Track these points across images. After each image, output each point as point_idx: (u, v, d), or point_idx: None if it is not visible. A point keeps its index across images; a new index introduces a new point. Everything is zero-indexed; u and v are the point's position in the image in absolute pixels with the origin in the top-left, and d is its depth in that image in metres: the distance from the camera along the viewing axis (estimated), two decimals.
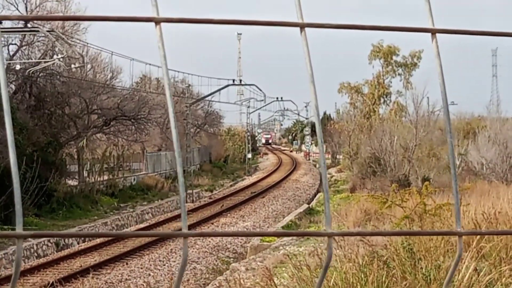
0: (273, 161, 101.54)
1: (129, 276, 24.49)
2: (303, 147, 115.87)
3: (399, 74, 64.96)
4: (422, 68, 64.45)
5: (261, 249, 25.69)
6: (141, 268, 25.90)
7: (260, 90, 69.39)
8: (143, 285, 22.87)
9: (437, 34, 1.54)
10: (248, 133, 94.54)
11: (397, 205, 21.60)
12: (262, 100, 74.58)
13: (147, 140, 62.82)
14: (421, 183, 40.67)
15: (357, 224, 28.09)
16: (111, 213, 42.04)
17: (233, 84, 57.39)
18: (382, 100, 65.88)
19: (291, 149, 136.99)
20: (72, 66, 38.26)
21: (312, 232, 1.66)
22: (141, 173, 57.09)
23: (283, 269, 19.20)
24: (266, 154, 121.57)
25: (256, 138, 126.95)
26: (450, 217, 19.55)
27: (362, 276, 8.32)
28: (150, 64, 64.49)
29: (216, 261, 28.62)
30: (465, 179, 45.81)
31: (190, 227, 35.23)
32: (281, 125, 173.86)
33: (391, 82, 66.04)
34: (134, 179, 54.49)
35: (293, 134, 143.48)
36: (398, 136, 41.66)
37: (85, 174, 48.40)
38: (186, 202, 49.45)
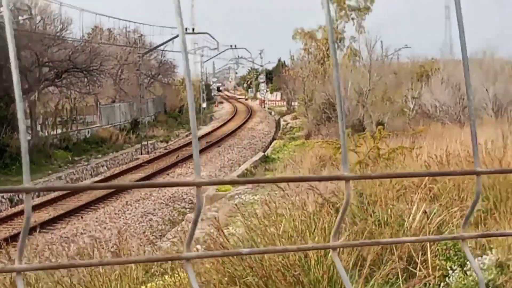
0: (229, 110, 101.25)
1: (84, 230, 24.29)
2: (258, 95, 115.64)
3: (352, 19, 64.82)
4: (375, 12, 64.37)
5: (217, 198, 25.60)
6: (96, 222, 25.72)
7: (214, 39, 68.91)
8: (99, 238, 22.69)
9: None
10: (203, 82, 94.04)
11: (351, 150, 21.57)
12: (216, 49, 74.06)
13: (100, 92, 62.17)
14: (375, 127, 40.83)
15: (312, 170, 28.08)
16: (65, 167, 41.64)
17: (186, 33, 56.47)
18: (336, 45, 65.69)
19: (246, 97, 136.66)
20: (20, 18, 37.46)
21: (331, 177, 1.57)
22: (95, 125, 56.52)
23: (237, 218, 19.14)
24: (222, 103, 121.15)
25: (211, 87, 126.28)
26: (404, 160, 19.60)
27: (312, 223, 8.23)
28: (100, 15, 63.62)
29: (172, 212, 28.50)
30: (419, 122, 46.08)
31: (146, 178, 35.12)
32: (236, 73, 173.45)
33: (344, 27, 65.91)
34: (88, 132, 53.94)
35: (248, 82, 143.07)
36: (352, 81, 41.59)
37: (38, 128, 47.80)
38: (141, 153, 49.20)
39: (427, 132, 38.88)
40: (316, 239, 7.62)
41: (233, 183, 1.52)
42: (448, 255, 8.30)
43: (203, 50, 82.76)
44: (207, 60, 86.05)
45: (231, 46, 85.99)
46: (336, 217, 9.35)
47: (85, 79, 49.47)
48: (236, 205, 17.22)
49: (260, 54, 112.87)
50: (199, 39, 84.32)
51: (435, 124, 44.12)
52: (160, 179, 35.49)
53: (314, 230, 7.99)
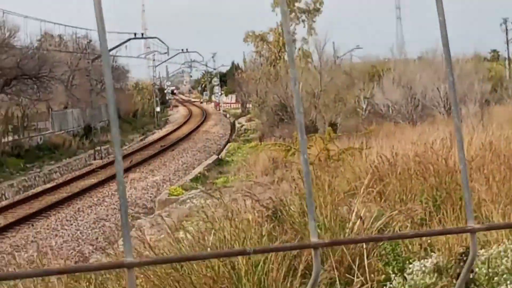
0: (184, 113, 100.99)
1: (34, 238, 24.02)
2: (213, 98, 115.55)
3: (302, 21, 64.94)
4: (325, 13, 64.60)
5: (168, 203, 25.51)
6: (48, 229, 25.46)
7: (163, 43, 68.71)
8: (50, 246, 22.50)
9: None
10: (157, 86, 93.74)
11: (300, 152, 21.65)
12: (166, 53, 73.91)
13: (52, 99, 61.66)
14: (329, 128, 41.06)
15: (265, 173, 28.12)
16: (17, 174, 41.17)
17: (135, 38, 56.51)
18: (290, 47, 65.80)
19: (201, 100, 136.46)
20: None
21: (454, 229, 1.55)
22: (47, 132, 55.99)
23: (189, 222, 19.08)
24: (176, 106, 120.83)
25: (165, 91, 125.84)
26: (354, 161, 19.68)
27: (252, 231, 8.21)
28: (46, 21, 63.08)
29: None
30: (372, 122, 46.37)
31: (98, 184, 34.88)
32: (191, 76, 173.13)
33: (295, 29, 66.01)
34: (40, 139, 53.42)
35: (203, 85, 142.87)
36: (303, 83, 41.70)
37: None
38: (95, 159, 48.85)
39: (379, 132, 39.19)
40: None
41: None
42: (387, 260, 8.34)
43: (154, 55, 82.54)
44: (159, 64, 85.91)
45: (182, 50, 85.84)
46: (275, 224, 9.37)
47: (35, 86, 49.05)
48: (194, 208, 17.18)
49: (212, 57, 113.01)
50: (150, 43, 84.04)
51: (388, 123, 44.47)
52: (113, 184, 35.26)
53: (256, 238, 7.99)
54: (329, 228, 8.85)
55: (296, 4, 64.72)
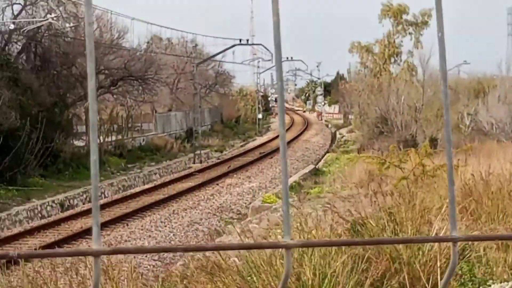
0: (286, 121, 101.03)
1: (128, 237, 24.46)
2: (316, 107, 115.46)
3: (409, 33, 64.32)
4: (433, 26, 63.76)
5: (261, 210, 25.61)
6: (142, 230, 25.87)
7: (268, 50, 68.94)
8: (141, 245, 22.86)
9: None
10: (261, 93, 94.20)
11: (395, 166, 21.40)
12: (269, 60, 74.04)
13: (157, 101, 62.72)
14: (428, 143, 40.48)
15: (360, 185, 27.89)
16: (118, 173, 42.01)
17: (240, 44, 56.90)
18: (392, 59, 65.31)
19: (304, 109, 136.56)
20: (67, 25, 38.02)
21: (436, 238, 1.60)
22: (150, 133, 56.99)
23: (278, 231, 19.10)
24: None
25: (269, 99, 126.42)
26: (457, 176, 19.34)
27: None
28: (152, 24, 64.29)
29: (219, 222, 28.51)
30: (475, 139, 45.55)
31: (195, 187, 35.30)
32: (295, 85, 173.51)
33: (402, 42, 65.41)
34: (143, 140, 54.43)
35: (307, 95, 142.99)
36: (405, 96, 41.30)
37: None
38: (194, 162, 49.42)
39: (480, 150, 38.44)
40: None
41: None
42: (462, 281, 8.16)
43: (259, 61, 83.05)
44: (263, 71, 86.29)
45: (287, 58, 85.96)
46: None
47: (140, 87, 49.96)
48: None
49: (317, 66, 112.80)
50: (256, 50, 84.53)
51: (491, 141, 43.58)
52: (209, 188, 35.63)
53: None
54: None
55: (404, 16, 64.17)
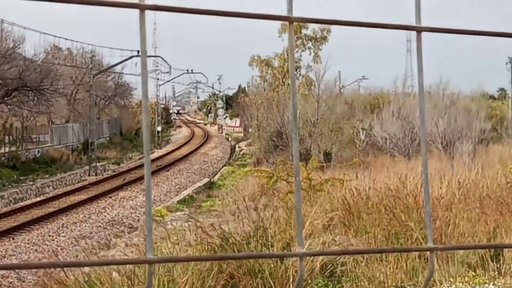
0: (186, 134, 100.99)
1: (13, 251, 23.91)
2: (217, 121, 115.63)
3: (309, 48, 64.94)
4: (332, 41, 64.70)
5: (154, 222, 25.36)
6: (28, 243, 25.32)
7: (166, 62, 68.69)
8: (27, 260, 22.40)
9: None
10: (162, 105, 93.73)
11: (283, 180, 21.56)
12: (168, 72, 73.90)
13: (54, 112, 61.74)
14: (323, 157, 40.88)
15: (252, 198, 27.97)
16: (10, 186, 41.10)
17: (137, 56, 56.44)
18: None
19: (206, 122, 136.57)
20: None
21: (415, 248, 1.58)
22: (46, 145, 55.98)
23: (163, 244, 18.96)
24: (180, 127, 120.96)
25: (170, 111, 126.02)
26: (332, 191, 19.57)
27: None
28: (45, 34, 63.50)
29: (109, 236, 28.13)
30: (368, 153, 46.25)
31: (87, 200, 34.76)
32: (198, 97, 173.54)
33: (301, 56, 66.00)
34: (38, 152, 53.42)
35: (209, 107, 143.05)
36: (301, 110, 41.61)
37: None
38: (90, 175, 48.76)
39: (372, 164, 39.13)
40: None
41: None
42: None
43: (158, 73, 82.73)
44: (163, 83, 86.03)
45: (187, 70, 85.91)
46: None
47: (35, 98, 49.11)
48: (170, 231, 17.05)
49: (218, 79, 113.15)
50: (158, 62, 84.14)
51: (384, 156, 44.34)
52: (101, 202, 35.17)
53: None
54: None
55: (304, 31, 64.76)
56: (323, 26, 64.29)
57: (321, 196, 19.50)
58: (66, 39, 65.15)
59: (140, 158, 63.97)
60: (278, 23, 65.11)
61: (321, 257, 8.89)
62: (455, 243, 12.14)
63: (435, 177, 19.18)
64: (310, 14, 1.52)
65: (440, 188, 16.92)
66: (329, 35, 64.77)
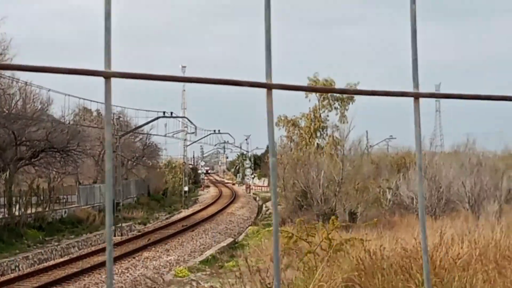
0: (213, 194, 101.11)
1: None
2: (245, 180, 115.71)
3: (335, 108, 65.14)
4: (358, 101, 64.89)
5: (171, 283, 25.26)
6: None
7: (191, 123, 69.13)
8: None
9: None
10: (190, 165, 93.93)
11: (302, 240, 21.35)
12: (193, 133, 74.35)
13: (81, 172, 62.14)
14: (348, 216, 40.66)
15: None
16: (35, 246, 41.17)
17: (163, 117, 56.98)
18: (318, 133, 65.96)
19: (234, 182, 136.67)
20: None
21: None
22: (73, 206, 56.18)
23: None
24: (208, 187, 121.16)
25: (199, 171, 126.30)
26: (352, 251, 19.35)
27: None
28: (84, 99, 64.09)
29: None
30: (395, 213, 45.94)
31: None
32: (227, 157, 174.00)
33: (328, 116, 66.18)
34: (65, 212, 53.58)
35: (237, 167, 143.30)
36: (325, 170, 41.56)
37: (16, 207, 47.58)
38: (115, 235, 48.75)
39: (401, 224, 38.83)
40: None
41: None
42: None
43: (186, 134, 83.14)
44: (190, 144, 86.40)
45: (214, 131, 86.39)
46: None
47: (62, 159, 49.45)
48: None
49: (246, 139, 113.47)
50: (179, 123, 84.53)
51: (410, 215, 43.98)
52: (124, 262, 35.08)
53: None
54: None
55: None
56: (349, 85, 64.52)
57: (342, 257, 19.32)
58: (91, 101, 65.54)
59: (167, 218, 64.02)
60: (305, 83, 65.52)
61: None
62: None
63: (455, 238, 18.99)
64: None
65: (461, 248, 16.72)
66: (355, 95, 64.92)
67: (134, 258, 36.62)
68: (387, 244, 18.99)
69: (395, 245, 17.81)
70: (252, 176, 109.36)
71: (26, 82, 48.74)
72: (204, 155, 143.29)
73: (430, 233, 22.64)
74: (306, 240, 21.09)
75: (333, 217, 24.44)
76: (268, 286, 11.89)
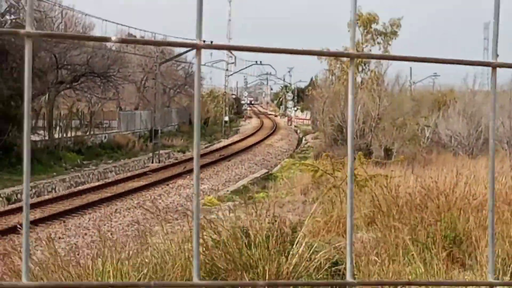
0: (255, 125, 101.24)
1: (63, 234, 24.28)
2: (287, 112, 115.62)
3: (378, 43, 64.38)
4: (402, 36, 64.05)
5: (201, 211, 25.50)
6: (79, 227, 25.69)
7: (231, 53, 68.84)
8: (76, 244, 22.71)
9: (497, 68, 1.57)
10: (233, 95, 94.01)
11: (328, 174, 21.40)
12: (233, 63, 74.10)
13: (122, 99, 62.54)
14: (383, 153, 40.52)
15: (304, 192, 27.88)
16: (72, 170, 41.75)
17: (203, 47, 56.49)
18: (360, 68, 65.37)
19: (277, 113, 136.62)
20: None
21: (475, 282, 1.79)
22: (113, 131, 56.70)
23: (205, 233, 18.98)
24: (250, 117, 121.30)
25: (241, 102, 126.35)
26: (375, 188, 19.35)
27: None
28: (121, 24, 64.15)
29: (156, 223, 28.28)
30: (432, 150, 45.66)
31: (144, 187, 35.09)
32: (271, 89, 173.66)
33: (370, 51, 65.42)
34: (105, 137, 54.11)
35: (280, 99, 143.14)
36: (362, 105, 41.33)
37: (56, 130, 48.22)
38: (153, 162, 49.25)
39: (437, 162, 38.56)
40: None
41: None
42: None
43: (228, 64, 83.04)
44: (231, 74, 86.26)
45: (256, 62, 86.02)
46: None
47: (102, 84, 49.78)
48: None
49: (289, 71, 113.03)
50: (223, 53, 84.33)
51: (448, 154, 43.70)
52: (158, 188, 35.49)
53: None
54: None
55: (373, 26, 64.19)
56: (393, 20, 63.70)
57: (366, 193, 19.33)
58: (135, 28, 65.64)
59: (206, 147, 64.36)
60: (348, 17, 64.70)
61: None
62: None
63: (482, 178, 18.87)
64: None
65: (485, 188, 16.60)
66: (399, 30, 64.05)
67: (167, 185, 36.98)
68: (411, 182, 18.93)
69: (415, 183, 17.72)
70: (295, 108, 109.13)
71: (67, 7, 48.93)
72: (248, 86, 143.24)
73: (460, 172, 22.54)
74: (332, 174, 21.13)
75: (359, 153, 24.47)
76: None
